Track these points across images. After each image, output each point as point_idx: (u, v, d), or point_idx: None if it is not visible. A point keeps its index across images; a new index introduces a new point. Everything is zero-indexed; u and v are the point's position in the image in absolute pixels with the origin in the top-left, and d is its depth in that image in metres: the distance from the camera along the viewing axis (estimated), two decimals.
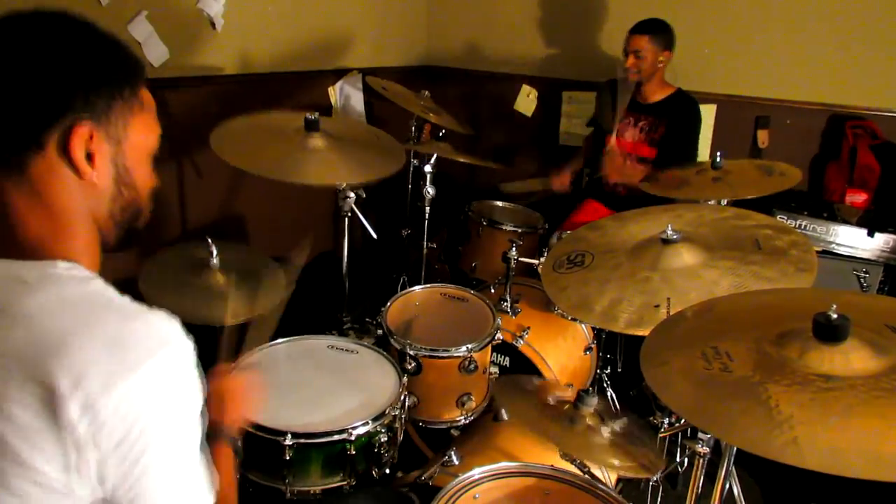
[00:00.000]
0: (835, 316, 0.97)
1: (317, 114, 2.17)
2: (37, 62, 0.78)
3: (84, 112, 0.81)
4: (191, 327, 0.85)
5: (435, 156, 2.65)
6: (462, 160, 2.66)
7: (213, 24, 2.77)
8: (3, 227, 0.81)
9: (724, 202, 2.21)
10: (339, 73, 3.43)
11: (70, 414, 0.71)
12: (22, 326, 0.74)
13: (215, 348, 1.43)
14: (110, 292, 0.81)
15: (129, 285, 0.89)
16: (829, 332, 0.97)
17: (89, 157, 0.82)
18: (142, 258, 1.97)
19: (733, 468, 1.37)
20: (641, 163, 2.89)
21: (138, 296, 0.82)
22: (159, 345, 0.77)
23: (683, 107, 2.87)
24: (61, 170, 0.81)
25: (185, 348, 0.80)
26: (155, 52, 2.56)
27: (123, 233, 0.91)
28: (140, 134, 0.88)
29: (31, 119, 0.79)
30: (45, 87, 0.79)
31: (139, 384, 0.74)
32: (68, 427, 0.71)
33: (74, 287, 0.79)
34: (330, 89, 3.39)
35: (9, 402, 0.71)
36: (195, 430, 0.83)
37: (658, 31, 2.79)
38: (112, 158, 0.85)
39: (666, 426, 1.81)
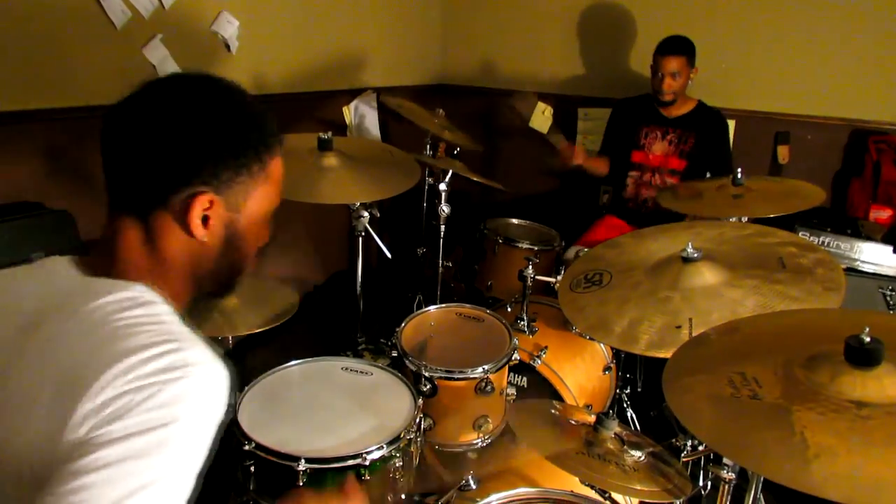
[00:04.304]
0: (867, 339, 0.93)
1: (329, 133, 2.16)
2: (176, 131, 0.85)
3: (210, 181, 0.87)
4: None
5: (450, 173, 2.63)
6: (475, 178, 2.63)
7: (227, 47, 2.78)
8: (109, 253, 0.88)
9: (744, 219, 2.16)
10: (354, 93, 3.44)
11: (77, 410, 0.71)
12: (74, 321, 0.79)
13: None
14: (167, 317, 0.82)
15: None
16: (863, 356, 0.93)
17: (205, 221, 0.88)
18: None
19: (761, 495, 1.32)
20: (672, 175, 2.91)
21: None
22: (181, 371, 0.76)
23: (710, 119, 2.89)
24: (176, 226, 0.88)
25: (211, 384, 0.78)
26: None
27: (222, 285, 0.98)
28: (259, 204, 0.94)
29: (164, 181, 0.86)
30: (180, 155, 0.86)
31: (148, 403, 0.73)
32: (71, 422, 0.71)
33: (132, 304, 0.81)
34: (345, 108, 3.40)
35: (31, 372, 0.76)
36: (186, 469, 0.76)
37: (690, 49, 2.79)
38: (227, 224, 0.91)
39: (689, 450, 1.76)
